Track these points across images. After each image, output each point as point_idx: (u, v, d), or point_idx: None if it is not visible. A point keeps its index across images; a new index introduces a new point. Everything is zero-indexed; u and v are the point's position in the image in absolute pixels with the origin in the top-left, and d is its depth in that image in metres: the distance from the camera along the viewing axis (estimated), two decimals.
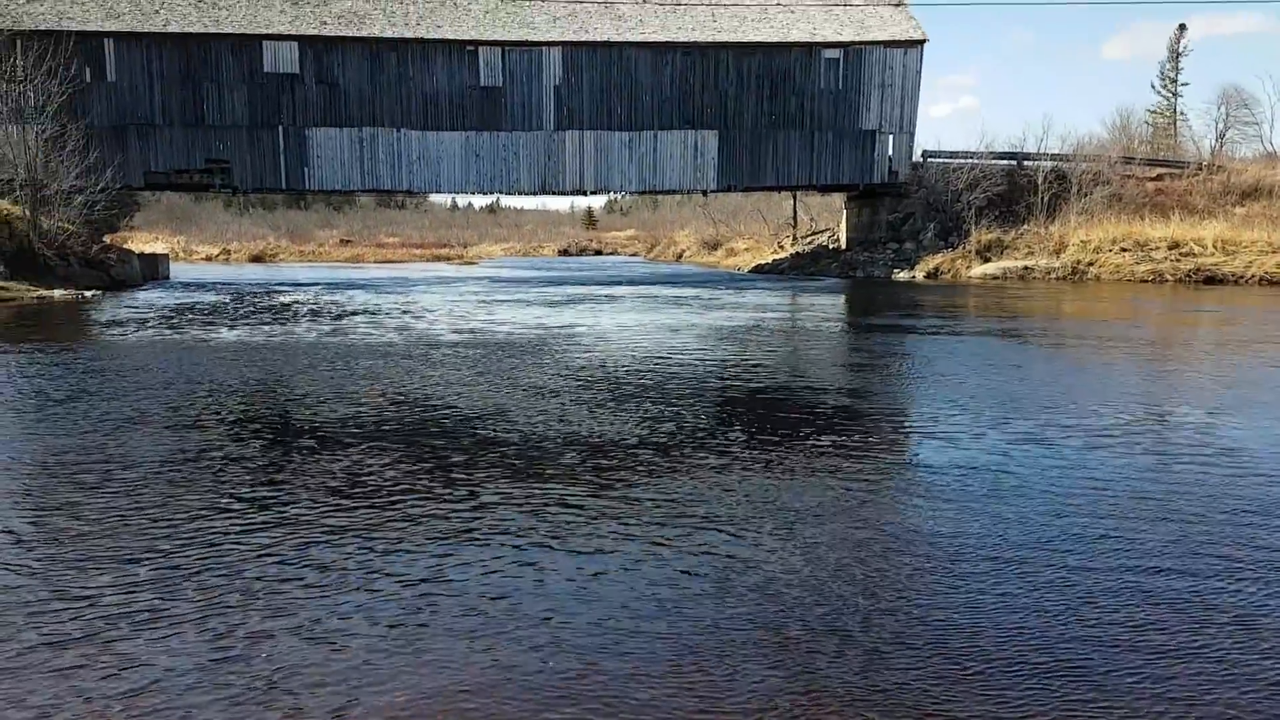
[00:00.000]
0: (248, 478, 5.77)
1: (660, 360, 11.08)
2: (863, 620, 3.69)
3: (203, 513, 5.04)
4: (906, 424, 7.67)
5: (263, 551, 4.44)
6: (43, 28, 27.75)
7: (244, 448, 6.54)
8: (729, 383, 9.57)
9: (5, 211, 23.40)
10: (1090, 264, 27.94)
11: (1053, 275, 27.98)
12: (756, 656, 3.37)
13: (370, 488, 5.55)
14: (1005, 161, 33.44)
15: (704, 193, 35.13)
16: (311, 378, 9.82)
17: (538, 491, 5.47)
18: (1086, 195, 30.75)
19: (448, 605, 3.83)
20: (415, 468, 6.00)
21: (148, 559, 4.33)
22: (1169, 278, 26.49)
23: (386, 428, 7.23)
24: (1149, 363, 11.58)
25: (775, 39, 31.55)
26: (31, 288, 21.47)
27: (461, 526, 4.84)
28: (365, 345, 12.62)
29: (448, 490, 5.51)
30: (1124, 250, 27.81)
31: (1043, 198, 31.06)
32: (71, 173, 24.83)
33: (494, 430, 7.11)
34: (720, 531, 4.75)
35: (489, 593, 3.96)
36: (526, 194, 32.74)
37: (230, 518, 4.95)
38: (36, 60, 25.84)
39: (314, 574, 4.16)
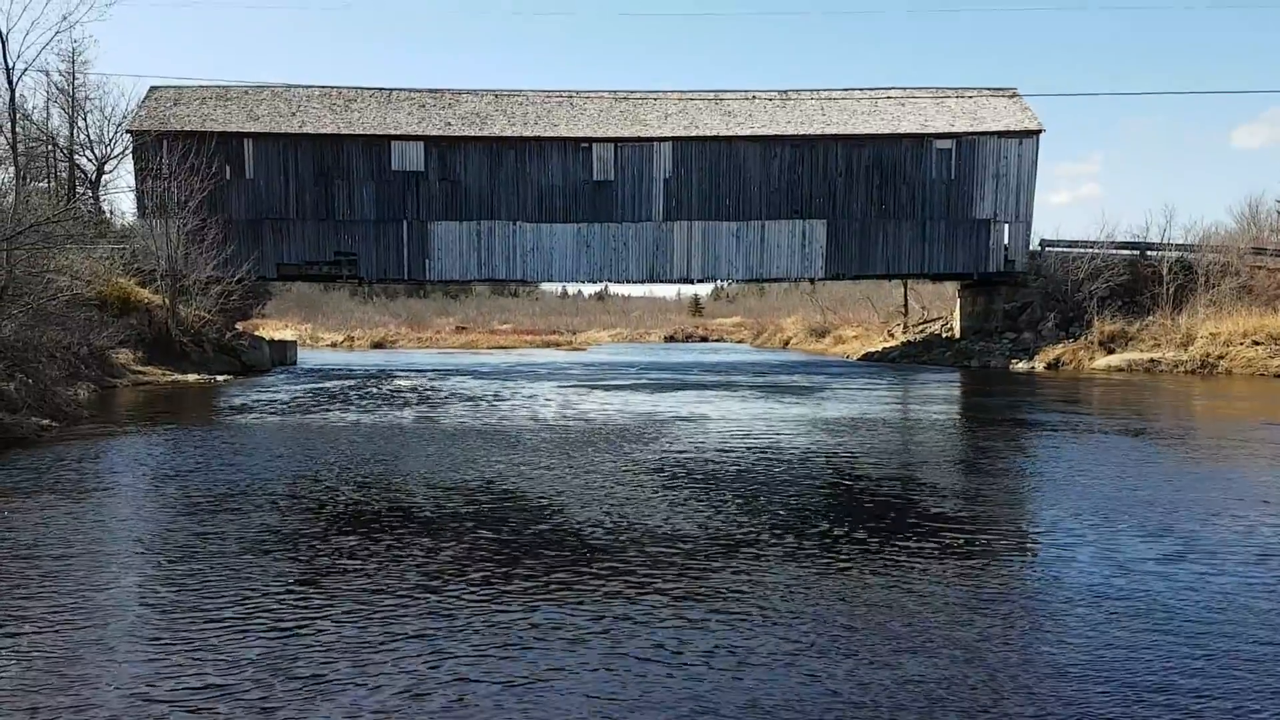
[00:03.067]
0: (305, 565, 5.87)
1: (760, 452, 10.92)
2: None
3: (251, 600, 5.13)
4: (1024, 535, 7.28)
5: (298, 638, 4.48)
6: (188, 129, 29.87)
7: (322, 530, 6.67)
8: (832, 481, 9.34)
9: (147, 300, 24.91)
10: (1220, 357, 26.61)
11: (1180, 368, 26.74)
12: None
13: (436, 584, 5.55)
14: (1127, 251, 32.46)
15: (811, 281, 35.09)
16: (407, 462, 10.02)
17: (589, 596, 5.39)
18: (1214, 286, 29.50)
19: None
20: (482, 557, 6.00)
21: (207, 651, 4.41)
22: None
23: (470, 515, 7.27)
24: None
25: (885, 130, 31.63)
26: (167, 372, 22.67)
27: (499, 623, 4.79)
28: (468, 429, 12.84)
29: (509, 585, 5.47)
30: (1256, 344, 26.40)
31: (1168, 288, 29.93)
32: (209, 264, 26.37)
33: (578, 522, 7.07)
34: (796, 662, 4.52)
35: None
36: (635, 282, 33.26)
37: (280, 609, 5.03)
38: (181, 159, 27.77)
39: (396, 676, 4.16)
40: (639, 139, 31.18)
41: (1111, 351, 28.74)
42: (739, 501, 8.03)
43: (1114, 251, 32.22)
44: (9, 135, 30.37)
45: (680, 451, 11.06)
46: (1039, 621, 4.96)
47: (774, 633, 4.69)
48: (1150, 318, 29.51)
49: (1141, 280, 31.14)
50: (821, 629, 4.75)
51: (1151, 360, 27.51)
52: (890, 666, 4.25)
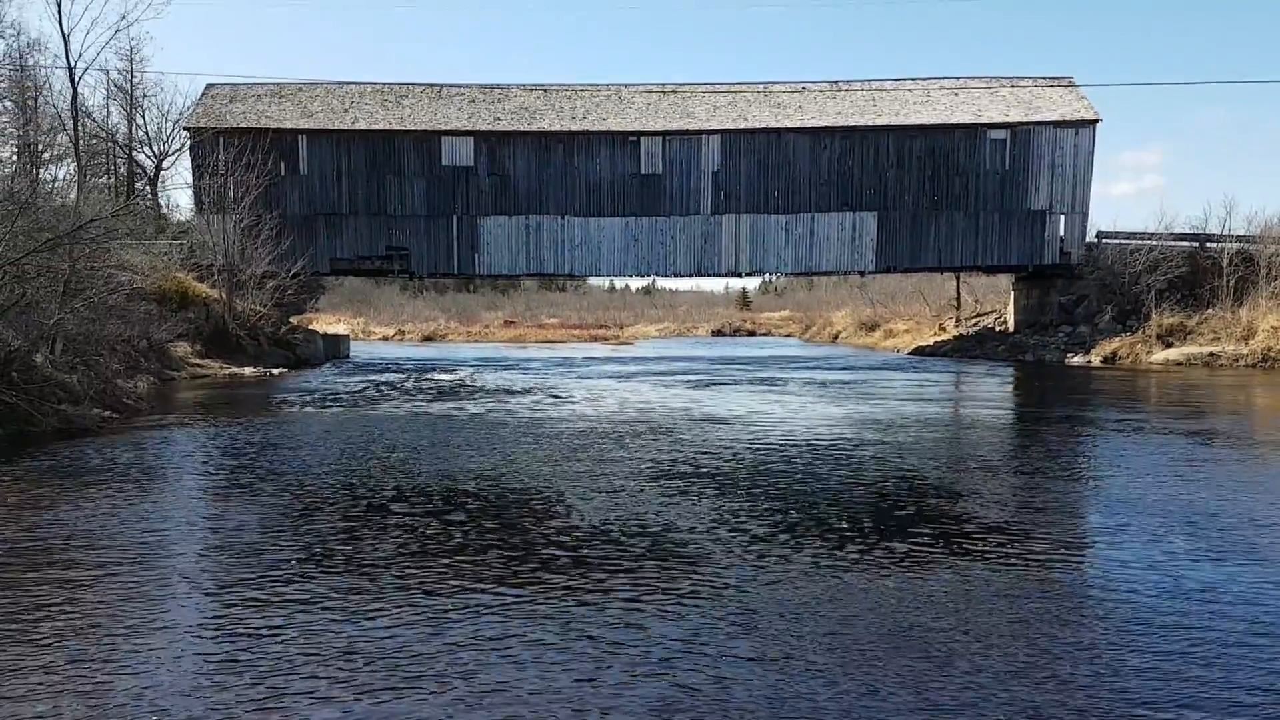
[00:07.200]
0: (304, 550, 5.94)
1: (800, 450, 10.84)
2: None
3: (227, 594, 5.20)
4: (1078, 546, 7.03)
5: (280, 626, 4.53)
6: (243, 125, 30.37)
7: (329, 517, 6.74)
8: (876, 484, 9.24)
9: (204, 295, 25.41)
10: None
11: (1241, 362, 26.09)
12: None
13: (438, 580, 5.58)
14: (1186, 243, 31.70)
15: (861, 274, 34.77)
16: (441, 451, 10.09)
17: (586, 595, 5.37)
18: (1277, 278, 28.70)
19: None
20: (476, 555, 6.02)
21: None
22: None
23: (489, 508, 7.31)
24: None
25: (938, 121, 31.21)
26: (224, 365, 23.11)
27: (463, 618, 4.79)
28: (517, 424, 12.90)
29: (485, 581, 5.48)
30: None
31: (1228, 281, 29.19)
32: (265, 259, 26.82)
33: (610, 523, 7.08)
34: (827, 698, 4.48)
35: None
36: (683, 276, 33.21)
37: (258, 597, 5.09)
38: (236, 155, 28.26)
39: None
40: (687, 132, 31.11)
41: (1169, 345, 28.12)
42: (778, 506, 7.98)
43: (1172, 243, 31.49)
44: (71, 133, 31.14)
45: (733, 448, 11.02)
46: (1095, 646, 4.86)
47: (808, 657, 4.66)
48: (1210, 311, 28.83)
49: (1201, 272, 30.41)
50: (856, 649, 4.71)
51: (1211, 354, 26.87)
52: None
